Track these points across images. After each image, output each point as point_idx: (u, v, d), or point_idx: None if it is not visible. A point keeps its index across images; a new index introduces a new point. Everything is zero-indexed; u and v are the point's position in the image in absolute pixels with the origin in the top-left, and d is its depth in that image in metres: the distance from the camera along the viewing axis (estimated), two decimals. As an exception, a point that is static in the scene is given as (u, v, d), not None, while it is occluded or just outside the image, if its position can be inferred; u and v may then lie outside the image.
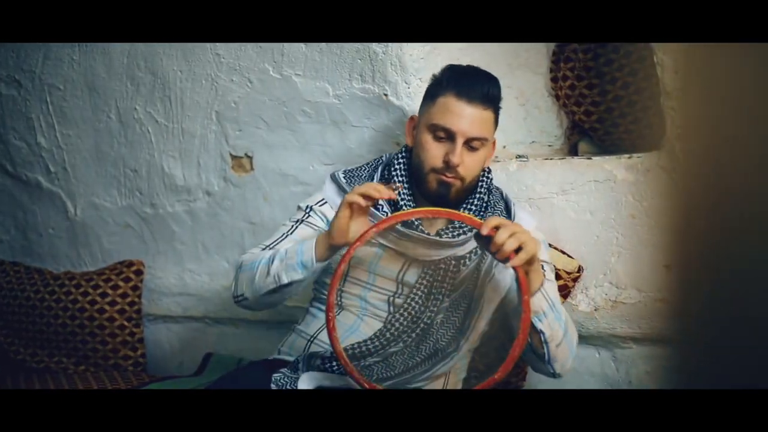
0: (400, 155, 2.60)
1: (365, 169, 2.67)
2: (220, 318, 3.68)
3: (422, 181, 2.50)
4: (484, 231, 2.15)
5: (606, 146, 3.07)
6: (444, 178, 2.44)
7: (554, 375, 2.46)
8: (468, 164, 2.45)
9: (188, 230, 3.67)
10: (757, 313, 0.91)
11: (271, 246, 2.51)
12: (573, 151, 3.18)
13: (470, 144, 2.42)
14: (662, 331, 2.72)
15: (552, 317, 2.33)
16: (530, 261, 2.19)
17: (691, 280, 1.00)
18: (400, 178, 2.53)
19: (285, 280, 2.32)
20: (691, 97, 2.58)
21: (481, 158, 2.50)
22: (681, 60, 2.48)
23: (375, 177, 2.59)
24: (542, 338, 2.34)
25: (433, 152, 2.42)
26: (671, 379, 2.52)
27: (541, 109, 3.25)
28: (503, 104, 2.54)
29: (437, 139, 2.42)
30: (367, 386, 2.20)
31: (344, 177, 2.61)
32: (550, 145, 3.26)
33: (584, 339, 2.90)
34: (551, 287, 2.43)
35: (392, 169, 2.57)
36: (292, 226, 2.59)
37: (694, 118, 2.44)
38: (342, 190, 2.56)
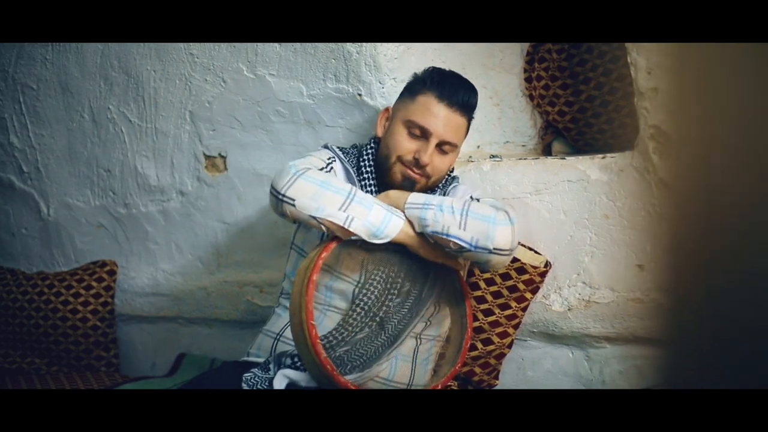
0: (368, 146, 2.64)
1: (352, 149, 2.72)
2: (194, 318, 3.67)
3: (388, 171, 2.56)
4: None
5: (579, 146, 3.08)
6: (410, 172, 2.51)
7: (496, 253, 2.35)
8: (436, 165, 2.53)
9: (161, 230, 3.66)
10: (730, 312, 0.91)
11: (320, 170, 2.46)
12: (547, 151, 3.19)
13: (442, 147, 2.48)
14: (636, 330, 2.73)
15: (432, 213, 2.31)
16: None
17: (664, 280, 1.01)
18: (368, 168, 2.57)
19: (354, 227, 2.27)
20: (663, 98, 2.59)
21: (448, 161, 2.59)
22: (654, 60, 2.50)
23: (356, 158, 2.65)
24: (436, 234, 2.33)
25: (405, 145, 2.46)
26: (645, 378, 2.54)
27: (515, 109, 3.26)
28: (478, 103, 2.57)
29: (411, 135, 2.46)
30: (336, 377, 2.19)
31: (338, 149, 2.67)
32: (523, 145, 3.27)
33: (558, 339, 2.91)
34: (420, 195, 2.41)
35: (361, 159, 2.61)
36: (326, 166, 2.55)
37: (667, 119, 2.45)
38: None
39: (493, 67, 3.23)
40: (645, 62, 2.52)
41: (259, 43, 3.20)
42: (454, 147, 2.55)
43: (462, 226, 2.29)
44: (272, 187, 2.31)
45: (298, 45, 3.12)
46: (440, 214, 2.30)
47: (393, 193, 2.44)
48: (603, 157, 2.78)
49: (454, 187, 2.73)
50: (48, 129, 3.80)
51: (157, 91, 3.50)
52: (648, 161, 2.60)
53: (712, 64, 0.91)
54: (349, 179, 2.61)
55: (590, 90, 2.94)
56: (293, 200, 2.27)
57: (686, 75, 0.94)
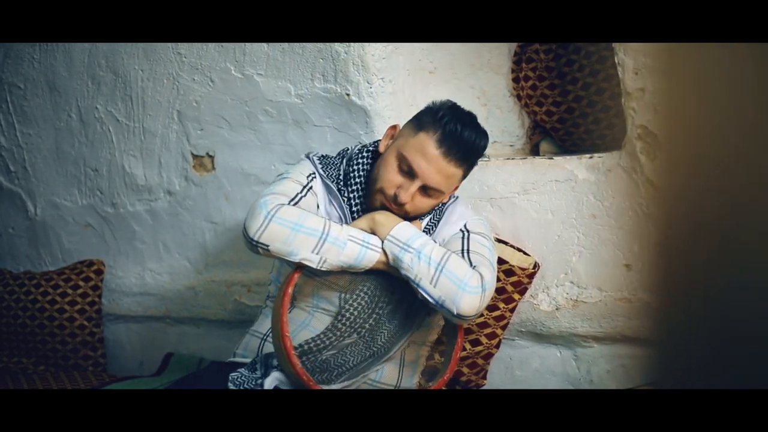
0: (363, 157, 2.57)
1: (336, 158, 2.65)
2: (181, 318, 3.66)
3: (370, 194, 2.49)
4: None
5: (567, 146, 3.09)
6: (389, 205, 2.43)
7: (458, 318, 2.34)
8: (417, 204, 2.43)
9: (149, 230, 3.65)
10: (717, 311, 0.91)
11: (294, 202, 2.42)
12: (534, 151, 3.19)
13: (426, 190, 2.41)
14: (623, 330, 2.74)
15: (409, 258, 2.30)
16: None
17: (652, 280, 1.01)
18: (358, 179, 2.53)
19: (328, 266, 2.28)
20: (651, 98, 2.59)
21: (432, 203, 2.49)
22: (641, 61, 2.50)
23: (341, 167, 2.59)
24: (408, 279, 2.33)
25: (390, 177, 2.38)
26: (632, 378, 2.54)
27: (502, 110, 3.26)
28: (466, 103, 2.54)
29: (400, 169, 2.37)
30: (313, 386, 2.20)
31: (318, 161, 2.60)
32: (511, 145, 3.27)
33: (546, 338, 2.92)
34: (406, 230, 2.38)
35: (352, 168, 2.56)
36: (302, 190, 2.49)
37: (654, 119, 2.45)
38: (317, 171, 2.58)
39: (480, 67, 3.23)
40: (632, 63, 2.52)
41: (247, 43, 3.19)
42: (440, 193, 2.45)
43: (433, 282, 2.29)
44: (245, 230, 2.30)
45: (285, 45, 3.11)
46: (417, 261, 2.29)
47: (379, 217, 2.40)
48: (590, 157, 2.79)
49: (453, 203, 2.66)
50: (35, 128, 3.79)
51: (145, 91, 3.49)
52: (635, 161, 2.60)
53: (699, 65, 0.91)
54: (331, 195, 2.56)
55: (577, 90, 2.94)
56: (267, 246, 2.28)
57: (673, 75, 0.95)
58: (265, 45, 3.16)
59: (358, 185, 2.52)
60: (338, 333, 2.37)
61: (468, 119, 2.42)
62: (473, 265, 2.37)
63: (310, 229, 2.28)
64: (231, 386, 2.32)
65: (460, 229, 2.54)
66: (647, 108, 2.51)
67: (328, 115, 3.12)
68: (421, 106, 2.52)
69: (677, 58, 0.93)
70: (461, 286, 2.29)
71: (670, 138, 0.97)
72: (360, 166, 2.55)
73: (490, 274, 2.38)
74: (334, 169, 2.60)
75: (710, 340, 0.99)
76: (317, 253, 2.25)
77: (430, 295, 2.28)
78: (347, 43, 2.96)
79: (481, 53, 3.23)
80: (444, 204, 2.60)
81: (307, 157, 2.64)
